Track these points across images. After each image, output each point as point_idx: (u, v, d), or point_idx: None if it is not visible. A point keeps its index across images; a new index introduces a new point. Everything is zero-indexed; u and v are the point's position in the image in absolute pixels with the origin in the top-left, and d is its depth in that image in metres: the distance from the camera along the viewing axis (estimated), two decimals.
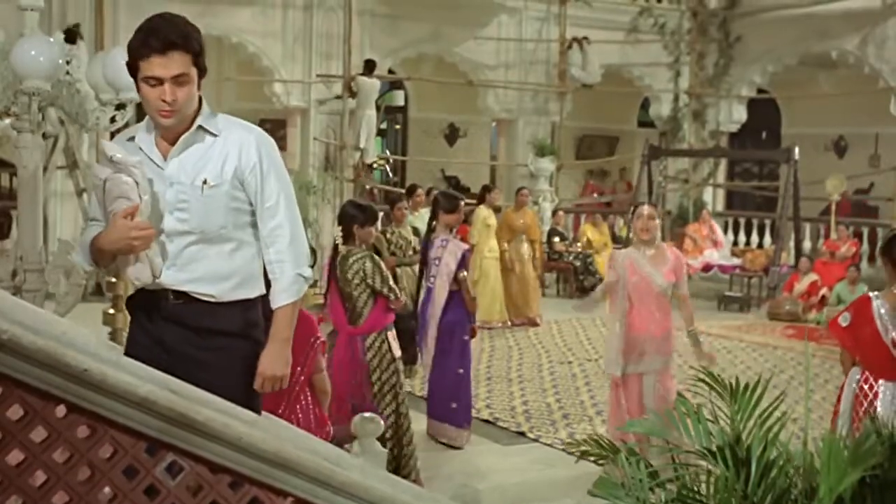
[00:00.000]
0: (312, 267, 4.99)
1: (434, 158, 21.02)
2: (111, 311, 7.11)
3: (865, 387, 5.26)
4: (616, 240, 17.33)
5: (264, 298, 3.63)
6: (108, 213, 3.34)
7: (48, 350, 2.27)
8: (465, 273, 7.85)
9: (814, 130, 20.54)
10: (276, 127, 19.21)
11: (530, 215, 14.02)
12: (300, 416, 4.84)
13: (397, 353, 6.54)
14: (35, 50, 4.46)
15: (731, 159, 20.85)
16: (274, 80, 16.36)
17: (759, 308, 15.43)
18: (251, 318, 3.57)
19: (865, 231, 17.17)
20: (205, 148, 3.45)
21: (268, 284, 3.65)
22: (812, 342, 12.89)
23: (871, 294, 5.33)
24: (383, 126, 21.42)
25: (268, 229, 3.55)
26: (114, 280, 3.63)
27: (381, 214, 7.69)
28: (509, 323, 13.21)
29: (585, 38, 18.23)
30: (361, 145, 16.17)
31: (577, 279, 16.26)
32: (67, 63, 4.89)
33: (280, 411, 4.86)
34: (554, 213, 17.28)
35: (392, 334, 6.54)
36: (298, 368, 4.79)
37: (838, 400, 5.50)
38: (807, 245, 17.18)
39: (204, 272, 3.44)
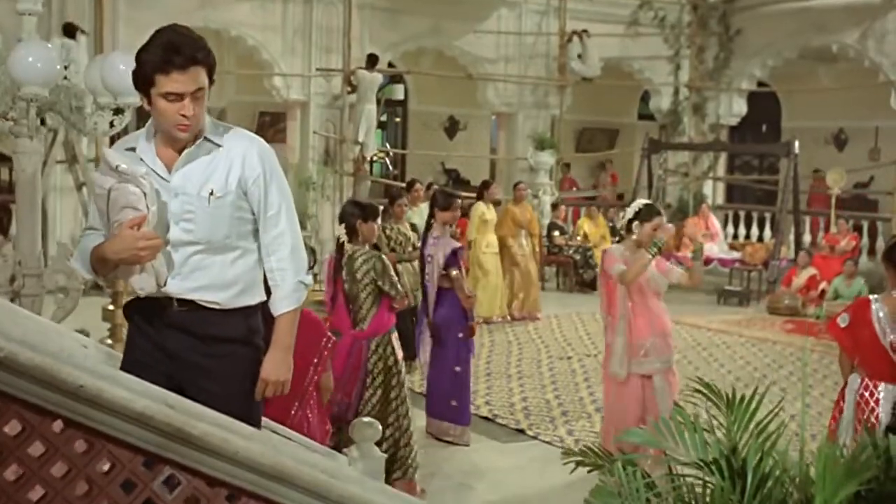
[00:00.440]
0: (312, 267, 5.02)
1: (434, 152, 21.02)
2: (110, 307, 7.13)
3: (866, 394, 5.26)
4: (615, 233, 17.32)
5: (263, 305, 3.66)
6: (111, 223, 3.34)
7: (44, 367, 2.28)
8: (457, 271, 7.81)
9: (814, 124, 20.53)
10: (275, 120, 19.25)
11: (530, 210, 14.03)
12: (310, 416, 4.85)
13: (400, 354, 6.54)
14: (33, 56, 4.45)
15: (730, 153, 20.81)
16: (273, 73, 16.33)
17: (758, 302, 15.45)
18: (253, 324, 3.61)
19: (865, 225, 17.17)
20: (209, 159, 3.47)
21: (267, 291, 3.68)
22: (811, 337, 12.90)
23: (870, 297, 5.34)
24: (383, 118, 21.42)
25: (270, 237, 3.59)
26: (111, 307, 3.60)
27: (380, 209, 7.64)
28: (509, 317, 13.23)
29: (585, 31, 18.19)
30: (361, 139, 16.16)
31: (576, 273, 16.28)
32: (65, 68, 4.89)
33: (293, 412, 4.88)
34: (554, 206, 17.27)
35: (395, 336, 6.53)
36: (311, 369, 4.80)
37: (836, 404, 5.51)
38: (807, 239, 17.18)
39: (209, 280, 3.48)
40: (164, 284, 3.40)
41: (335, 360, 6.42)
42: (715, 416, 3.19)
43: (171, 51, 3.30)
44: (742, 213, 19.05)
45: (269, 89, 16.53)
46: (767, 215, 18.30)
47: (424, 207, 11.67)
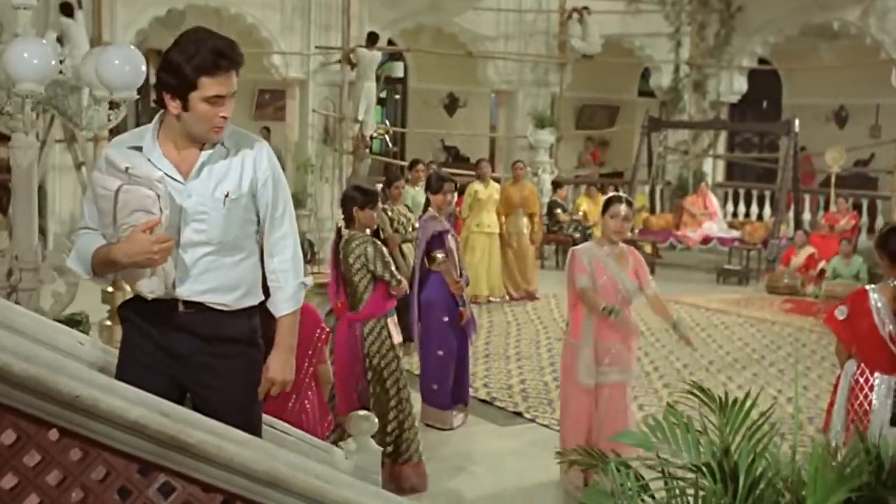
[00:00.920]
0: (309, 260, 5.03)
1: (433, 130, 20.98)
2: (110, 289, 7.14)
3: (861, 380, 5.30)
4: None
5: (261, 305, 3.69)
6: (117, 225, 3.31)
7: (39, 377, 2.29)
8: (442, 255, 7.76)
9: (815, 101, 20.48)
10: (275, 97, 19.20)
11: (529, 188, 13.97)
12: (308, 408, 4.87)
13: (397, 339, 6.53)
14: (28, 52, 4.43)
15: (730, 131, 20.77)
16: (273, 52, 16.28)
17: (757, 281, 15.46)
18: (255, 324, 3.66)
19: (865, 203, 17.15)
20: (222, 160, 3.50)
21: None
22: (809, 316, 12.95)
23: (867, 287, 5.36)
24: (383, 95, 21.35)
25: (275, 238, 3.65)
26: (111, 289, 3.58)
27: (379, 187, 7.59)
28: (507, 297, 13.24)
29: (586, 8, 18.12)
30: (360, 117, 16.13)
31: None
32: (61, 62, 4.88)
33: (290, 405, 4.90)
34: (554, 184, 17.25)
35: (392, 320, 6.52)
36: (306, 361, 4.82)
37: (834, 390, 5.54)
38: (806, 217, 17.18)
39: (218, 283, 3.50)
40: (172, 287, 3.41)
41: (336, 348, 6.47)
42: (707, 415, 3.20)
43: (218, 55, 3.35)
44: (742, 191, 19.04)
45: (268, 67, 16.48)
46: (767, 193, 18.28)
47: (422, 186, 11.69)
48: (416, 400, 7.85)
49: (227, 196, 3.48)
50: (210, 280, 3.48)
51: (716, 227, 16.80)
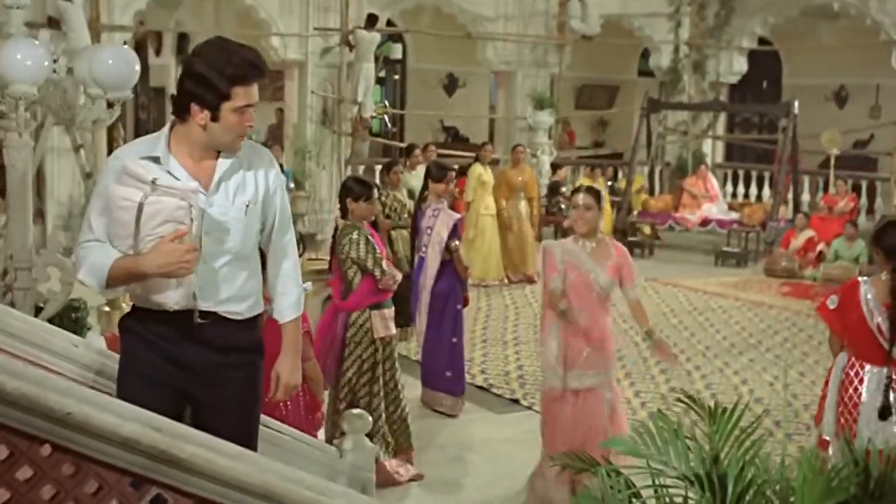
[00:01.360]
0: (302, 254, 5.06)
1: (432, 112, 20.95)
2: (106, 308, 7.16)
3: (851, 373, 5.31)
4: (614, 192, 17.31)
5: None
6: (140, 237, 3.28)
7: (30, 395, 2.31)
8: (458, 243, 7.91)
9: (815, 81, 20.42)
10: (273, 78, 19.13)
11: (528, 172, 14.01)
12: (289, 404, 4.89)
13: (381, 332, 6.50)
14: (21, 53, 4.43)
15: (729, 113, 20.74)
16: (271, 33, 16.23)
17: (756, 263, 15.48)
18: (259, 333, 3.71)
19: (864, 184, 17.14)
20: (236, 170, 3.53)
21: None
22: (807, 300, 12.97)
23: (860, 279, 5.37)
24: (381, 74, 21.29)
25: (283, 243, 3.72)
26: (107, 309, 3.52)
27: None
28: (506, 280, 13.28)
29: None
30: (359, 99, 16.10)
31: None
32: (55, 62, 4.87)
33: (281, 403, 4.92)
34: (553, 166, 17.25)
35: (379, 313, 6.49)
36: None
37: (826, 383, 5.56)
38: (805, 198, 17.18)
39: (233, 292, 3.54)
40: (194, 298, 3.42)
41: (319, 329, 6.51)
42: (697, 422, 3.22)
43: (251, 65, 3.40)
44: (741, 172, 19.03)
45: (267, 49, 16.42)
46: (767, 174, 18.26)
47: (422, 169, 11.69)
48: (412, 387, 7.94)
49: (247, 206, 3.52)
50: (228, 290, 3.51)
51: (715, 208, 16.80)
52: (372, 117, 17.55)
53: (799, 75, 20.85)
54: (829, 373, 5.52)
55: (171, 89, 21.93)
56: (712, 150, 19.81)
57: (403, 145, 15.96)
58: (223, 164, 3.48)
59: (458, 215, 8.12)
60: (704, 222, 16.48)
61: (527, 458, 6.92)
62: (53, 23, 7.88)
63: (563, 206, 16.30)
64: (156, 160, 3.40)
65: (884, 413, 5.22)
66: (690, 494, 2.88)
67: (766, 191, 17.98)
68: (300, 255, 4.99)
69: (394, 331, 6.64)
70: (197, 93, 3.35)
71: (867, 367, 5.29)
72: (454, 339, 7.94)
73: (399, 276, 6.63)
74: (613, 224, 16.70)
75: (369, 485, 4.17)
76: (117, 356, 3.75)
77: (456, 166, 16.26)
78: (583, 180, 17.14)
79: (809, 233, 14.84)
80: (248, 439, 3.67)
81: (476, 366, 9.15)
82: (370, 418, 4.38)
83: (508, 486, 6.52)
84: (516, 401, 8.26)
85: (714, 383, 8.98)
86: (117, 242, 3.35)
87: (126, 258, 3.31)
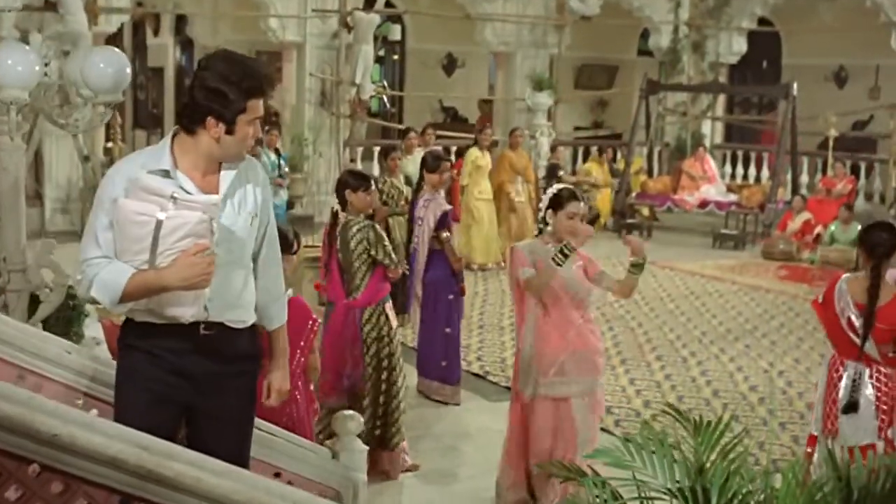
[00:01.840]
0: (296, 251, 5.09)
1: (431, 93, 20.90)
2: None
3: (833, 371, 5.36)
4: (615, 174, 17.31)
5: None
6: (158, 251, 3.27)
7: (17, 417, 2.33)
8: (448, 234, 7.91)
9: (814, 61, 20.35)
10: (272, 59, 19.08)
11: (525, 156, 14.04)
12: (298, 398, 4.92)
13: (395, 323, 6.56)
14: (12, 59, 4.43)
15: (728, 94, 20.69)
16: (269, 15, 16.18)
17: (754, 245, 15.50)
18: (256, 340, 3.74)
19: (863, 166, 17.12)
20: (237, 182, 3.55)
21: None
22: (804, 284, 13.01)
23: (844, 275, 5.40)
24: (381, 53, 21.23)
25: (272, 252, 3.76)
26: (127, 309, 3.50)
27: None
28: (503, 264, 13.29)
29: None
30: (357, 81, 16.07)
31: None
32: (46, 65, 4.87)
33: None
34: (552, 148, 17.24)
35: (389, 306, 6.55)
36: (298, 352, 4.87)
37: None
38: (804, 179, 17.17)
39: (239, 301, 3.58)
40: (205, 309, 3.44)
41: (329, 333, 6.50)
42: (681, 432, 3.24)
43: (265, 77, 3.46)
44: (740, 153, 19.02)
45: (265, 30, 16.39)
46: (766, 155, 18.24)
47: (419, 155, 11.68)
48: (409, 374, 7.98)
49: (252, 217, 3.57)
50: (234, 299, 3.55)
51: (713, 190, 16.81)
52: (371, 97, 17.53)
53: (799, 56, 20.77)
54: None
55: (170, 70, 22.07)
56: (711, 130, 19.77)
57: (402, 127, 15.97)
58: (227, 176, 3.50)
59: (447, 206, 8.08)
60: (703, 204, 16.49)
61: None
62: (50, 6, 7.85)
63: None
64: (164, 173, 3.40)
65: (847, 409, 5.27)
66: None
67: (766, 171, 17.96)
68: (294, 253, 5.03)
69: (396, 323, 6.68)
70: (214, 107, 3.36)
71: (847, 362, 5.33)
72: (448, 329, 7.97)
73: (402, 270, 6.66)
74: (612, 206, 16.74)
75: (361, 486, 4.21)
76: (111, 362, 3.78)
77: (455, 147, 16.39)
78: (590, 163, 17.14)
79: (806, 215, 14.85)
80: (244, 446, 3.72)
81: (472, 353, 9.20)
82: (362, 420, 4.40)
83: None
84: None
85: (709, 370, 9.02)
86: (128, 257, 3.31)
87: (145, 272, 3.29)
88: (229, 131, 3.40)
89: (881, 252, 5.23)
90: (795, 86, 16.10)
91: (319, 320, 5.07)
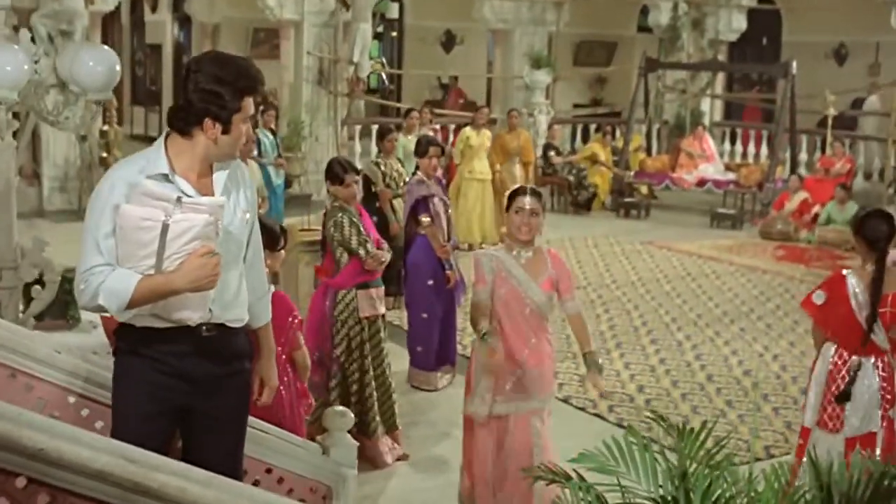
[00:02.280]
0: (283, 247, 5.11)
1: (430, 71, 20.85)
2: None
3: (839, 362, 5.36)
4: (616, 152, 17.29)
5: None
6: (165, 255, 3.28)
7: (3, 433, 2.36)
8: (428, 219, 7.89)
9: (815, 38, 20.29)
10: (269, 36, 19.05)
11: (524, 136, 14.02)
12: (283, 391, 4.95)
13: (366, 312, 6.57)
14: (1, 59, 4.44)
15: (727, 72, 20.63)
16: None
17: (752, 225, 15.51)
18: (248, 338, 3.78)
19: (861, 145, 17.08)
20: (229, 182, 3.58)
21: None
22: (801, 264, 13.03)
23: (844, 272, 5.39)
24: (380, 29, 21.17)
25: (258, 250, 3.79)
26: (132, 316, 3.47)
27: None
28: (485, 246, 13.30)
29: None
30: (355, 59, 16.03)
31: (571, 193, 16.33)
32: (35, 62, 4.87)
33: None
34: (549, 127, 17.23)
35: (365, 293, 6.56)
36: (279, 348, 4.90)
37: (811, 371, 5.59)
38: (803, 157, 17.15)
39: (237, 300, 3.62)
40: (210, 310, 3.47)
41: (311, 310, 6.59)
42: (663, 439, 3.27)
43: (256, 79, 3.49)
44: (740, 131, 18.98)
45: (262, 8, 16.32)
46: (765, 133, 18.21)
47: (416, 135, 11.67)
48: (403, 358, 8.02)
49: (247, 216, 3.62)
50: (233, 299, 3.59)
51: (712, 168, 16.80)
52: (369, 74, 17.48)
53: (799, 33, 20.71)
54: (813, 363, 5.55)
55: (167, 46, 22.02)
56: (711, 108, 19.72)
57: (400, 105, 15.94)
58: (220, 177, 3.53)
59: (427, 192, 8.00)
60: (701, 182, 16.48)
61: None
62: None
63: (556, 168, 16.32)
64: (163, 177, 3.40)
65: (840, 399, 5.30)
66: None
67: (765, 149, 17.93)
68: (281, 249, 5.05)
69: (381, 310, 6.70)
70: (211, 109, 3.39)
71: (854, 357, 5.34)
72: (424, 315, 7.97)
73: (387, 258, 6.67)
74: (611, 184, 16.75)
75: (351, 480, 4.25)
76: (102, 362, 3.81)
77: (453, 126, 16.35)
78: (592, 144, 17.12)
79: (803, 195, 14.84)
80: (240, 444, 3.77)
81: (468, 336, 9.17)
82: (351, 415, 4.44)
83: None
84: None
85: (704, 354, 9.05)
86: (131, 263, 3.31)
87: (153, 277, 3.29)
88: (225, 131, 3.43)
89: (883, 246, 5.25)
90: (795, 64, 16.05)
91: (300, 317, 5.06)
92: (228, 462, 3.68)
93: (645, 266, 12.62)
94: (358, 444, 6.26)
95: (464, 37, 21.69)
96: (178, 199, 3.31)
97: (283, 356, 4.95)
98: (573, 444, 6.34)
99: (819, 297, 5.38)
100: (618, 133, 18.42)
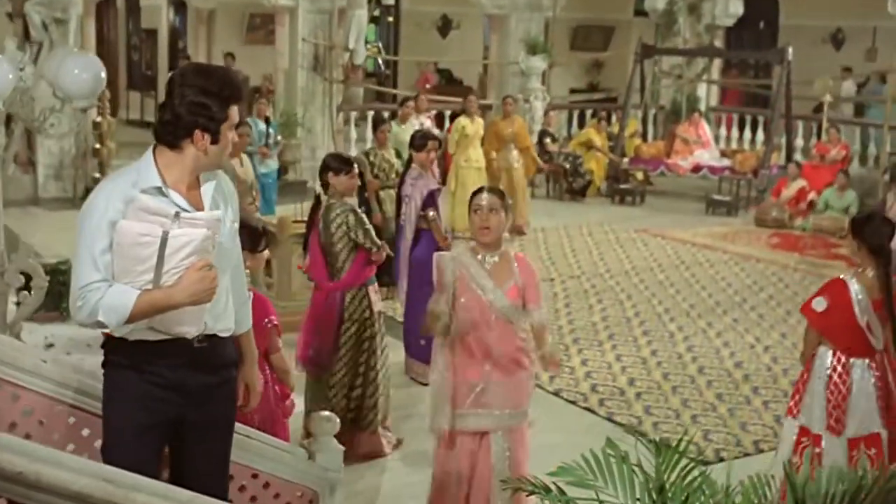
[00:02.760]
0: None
1: (426, 57, 20.82)
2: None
3: (839, 367, 5.35)
4: (609, 137, 17.27)
5: None
6: (163, 270, 3.30)
7: None
8: (434, 213, 7.93)
9: (812, 22, 20.26)
10: (265, 21, 19.01)
11: (519, 123, 13.98)
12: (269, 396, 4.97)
13: (377, 307, 6.61)
14: None
15: (723, 58, 20.59)
16: None
17: (747, 211, 15.51)
18: (234, 346, 3.81)
19: (858, 131, 17.09)
20: (218, 193, 3.60)
21: None
22: (795, 252, 13.05)
23: (844, 278, 5.36)
24: (376, 14, 21.10)
25: (237, 255, 3.79)
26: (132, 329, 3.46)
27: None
28: None
29: None
30: (351, 46, 16.00)
31: (566, 180, 16.34)
32: (21, 70, 4.87)
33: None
34: (545, 113, 17.21)
35: (373, 288, 6.59)
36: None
37: (801, 376, 5.59)
38: (799, 143, 17.15)
39: (226, 310, 3.65)
40: (206, 322, 3.51)
41: (310, 314, 6.58)
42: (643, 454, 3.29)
43: (240, 84, 3.54)
44: (736, 116, 18.97)
45: None
46: (761, 119, 18.21)
47: (414, 124, 11.69)
48: (399, 349, 8.04)
49: (234, 225, 3.65)
50: (224, 309, 3.62)
51: (707, 155, 16.78)
52: (366, 58, 17.45)
53: (796, 17, 20.65)
54: (806, 366, 5.54)
55: (163, 31, 21.97)
56: (707, 93, 19.69)
57: (397, 92, 15.92)
58: (208, 189, 3.55)
59: (435, 185, 8.11)
60: (696, 169, 16.48)
61: None
62: None
63: (552, 154, 16.31)
64: (157, 191, 3.41)
65: None
66: None
67: (760, 135, 17.92)
68: (262, 251, 5.06)
69: (381, 305, 6.74)
70: (200, 121, 3.40)
71: (853, 360, 5.36)
72: None
73: (387, 249, 6.69)
74: (606, 170, 16.75)
75: (338, 486, 4.28)
76: (90, 370, 3.82)
77: (449, 112, 16.33)
78: (588, 130, 17.11)
79: (801, 182, 14.84)
80: (228, 451, 3.81)
81: None
82: (338, 420, 4.47)
83: None
84: None
85: (695, 346, 9.07)
86: (129, 279, 3.32)
87: (152, 292, 3.31)
88: (214, 141, 3.45)
89: (888, 252, 5.26)
90: (791, 50, 16.03)
91: (276, 321, 5.03)
92: (218, 469, 3.74)
93: (639, 254, 12.63)
94: (355, 439, 6.44)
95: (460, 22, 21.65)
96: (177, 214, 3.34)
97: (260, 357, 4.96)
98: (563, 438, 6.47)
99: (820, 304, 5.34)
100: (613, 118, 18.42)
